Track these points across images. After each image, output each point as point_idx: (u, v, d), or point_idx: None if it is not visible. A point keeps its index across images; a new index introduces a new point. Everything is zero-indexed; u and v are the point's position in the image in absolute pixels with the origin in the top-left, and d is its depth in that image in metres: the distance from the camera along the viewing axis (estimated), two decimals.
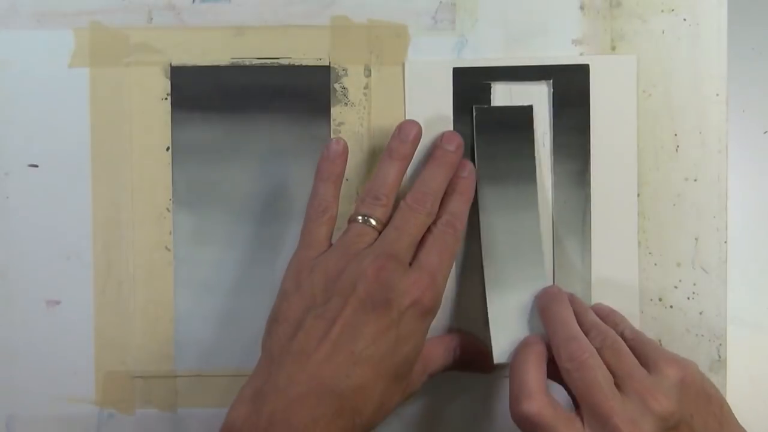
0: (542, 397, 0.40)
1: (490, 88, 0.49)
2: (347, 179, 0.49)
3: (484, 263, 0.46)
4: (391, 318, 0.41)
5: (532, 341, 0.44)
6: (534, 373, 0.41)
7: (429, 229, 0.45)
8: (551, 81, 0.49)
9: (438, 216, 0.45)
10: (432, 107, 0.49)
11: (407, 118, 0.49)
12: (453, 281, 0.49)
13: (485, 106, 0.48)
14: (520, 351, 0.43)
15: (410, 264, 0.43)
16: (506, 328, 0.46)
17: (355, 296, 0.41)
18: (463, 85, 0.49)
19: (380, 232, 0.44)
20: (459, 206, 0.46)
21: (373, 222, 0.44)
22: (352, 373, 0.40)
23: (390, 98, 0.49)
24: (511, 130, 0.48)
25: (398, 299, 0.41)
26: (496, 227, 0.47)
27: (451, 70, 0.48)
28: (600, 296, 0.49)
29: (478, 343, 0.48)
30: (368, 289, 0.41)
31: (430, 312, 0.43)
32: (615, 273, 0.49)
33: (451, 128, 0.49)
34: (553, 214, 0.49)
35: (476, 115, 0.48)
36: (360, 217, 0.45)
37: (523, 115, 0.48)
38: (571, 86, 0.49)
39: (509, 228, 0.47)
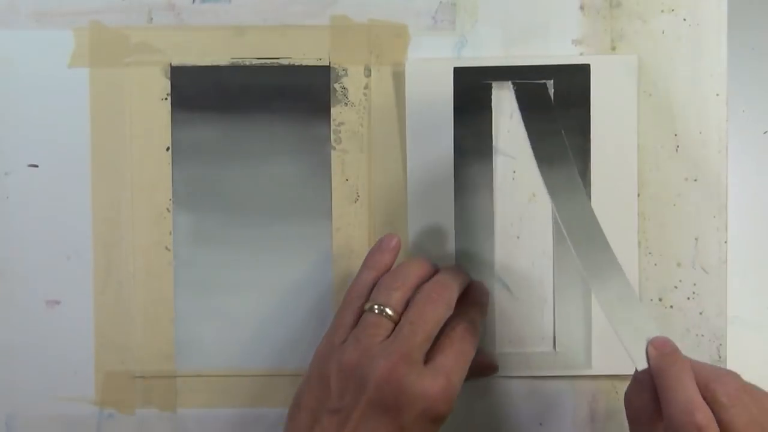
0: (708, 410, 0.38)
1: (490, 87, 0.49)
2: (347, 179, 0.49)
3: (577, 253, 0.42)
4: (401, 423, 0.40)
5: (674, 349, 0.41)
6: (694, 385, 0.39)
7: (447, 323, 0.43)
8: (552, 81, 0.49)
9: (458, 311, 0.44)
10: (432, 107, 0.49)
11: (408, 118, 0.48)
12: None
13: (522, 82, 0.47)
14: (669, 363, 0.40)
15: (426, 359, 0.42)
16: (629, 325, 0.42)
17: (367, 396, 0.40)
18: (463, 85, 0.48)
19: (396, 323, 0.43)
20: (481, 298, 0.46)
21: (389, 312, 0.43)
22: None
23: (390, 98, 0.49)
24: (544, 106, 0.47)
25: (410, 404, 0.40)
26: (570, 211, 0.43)
27: (452, 69, 0.48)
28: None
29: (480, 355, 0.47)
30: (380, 391, 0.40)
31: (442, 418, 0.41)
32: None
33: (452, 129, 0.49)
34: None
35: (515, 91, 0.47)
36: (376, 307, 0.43)
37: (542, 90, 0.47)
38: (571, 86, 0.49)
39: (577, 213, 0.44)
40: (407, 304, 0.43)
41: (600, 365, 0.49)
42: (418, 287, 0.44)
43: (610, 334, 0.44)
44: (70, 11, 0.49)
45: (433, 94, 0.48)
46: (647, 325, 0.42)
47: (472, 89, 0.49)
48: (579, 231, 0.43)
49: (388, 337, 0.42)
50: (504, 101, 0.49)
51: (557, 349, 0.49)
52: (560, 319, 0.49)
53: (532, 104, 0.47)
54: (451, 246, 0.49)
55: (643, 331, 0.42)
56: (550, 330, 0.49)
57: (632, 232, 0.49)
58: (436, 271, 0.46)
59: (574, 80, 0.49)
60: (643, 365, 0.41)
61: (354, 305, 0.44)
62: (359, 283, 0.45)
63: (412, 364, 0.41)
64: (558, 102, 0.48)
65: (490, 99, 0.49)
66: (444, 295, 0.43)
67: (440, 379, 0.41)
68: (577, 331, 0.49)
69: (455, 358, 0.42)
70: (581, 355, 0.49)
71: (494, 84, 0.49)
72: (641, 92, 0.49)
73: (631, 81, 0.49)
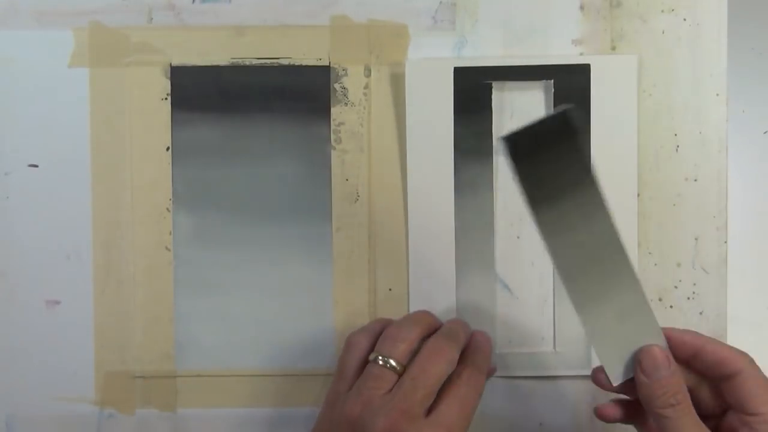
0: None
1: (490, 87, 0.49)
2: (347, 179, 0.49)
3: (566, 287, 0.42)
4: None
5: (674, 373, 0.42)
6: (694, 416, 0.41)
7: (453, 376, 0.43)
8: (552, 81, 0.49)
9: (462, 363, 0.44)
10: (432, 107, 0.49)
11: (408, 118, 0.49)
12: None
13: (512, 133, 0.39)
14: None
15: (430, 409, 0.42)
16: (613, 343, 0.43)
17: None
18: (463, 85, 0.48)
19: (400, 375, 0.43)
20: (485, 345, 0.46)
21: (393, 363, 0.43)
22: None
23: (390, 98, 0.49)
24: (552, 143, 0.41)
25: None
26: (565, 244, 0.42)
27: (452, 69, 0.48)
28: None
29: None
30: None
31: None
32: None
33: (452, 129, 0.48)
34: None
35: (507, 145, 0.39)
36: (380, 358, 0.43)
37: (559, 122, 0.41)
38: (571, 86, 0.49)
39: (580, 240, 0.42)
40: (412, 356, 0.43)
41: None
42: (423, 339, 0.44)
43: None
44: (70, 11, 0.49)
45: (433, 93, 0.48)
46: (630, 346, 0.42)
47: (472, 89, 0.49)
48: (571, 267, 0.42)
49: (391, 390, 0.42)
50: (504, 101, 0.49)
51: (557, 349, 0.49)
52: (560, 319, 0.49)
53: (524, 152, 0.40)
54: (450, 246, 0.49)
55: (624, 349, 0.42)
56: (550, 330, 0.49)
57: (632, 232, 0.49)
58: (439, 323, 0.46)
59: (575, 80, 0.49)
60: (618, 379, 0.42)
61: (357, 352, 0.45)
62: (365, 329, 0.46)
63: (413, 420, 0.41)
64: (558, 102, 0.48)
65: (491, 99, 0.49)
66: (447, 349, 0.43)
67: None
68: (577, 331, 0.49)
69: (458, 407, 0.42)
70: (581, 355, 0.49)
71: (494, 84, 0.49)
72: (641, 92, 0.49)
73: (632, 81, 0.49)
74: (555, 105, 0.48)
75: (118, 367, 0.50)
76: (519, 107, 0.49)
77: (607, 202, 0.41)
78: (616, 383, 0.43)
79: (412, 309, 0.49)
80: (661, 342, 0.42)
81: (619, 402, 0.45)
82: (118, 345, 0.50)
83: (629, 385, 0.43)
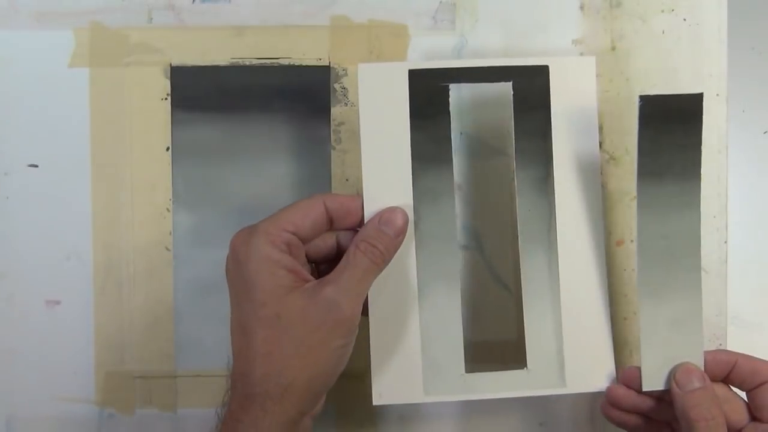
0: None
1: (447, 90, 0.45)
2: (347, 179, 0.49)
3: (639, 268, 0.43)
4: None
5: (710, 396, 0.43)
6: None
7: None
8: (511, 83, 0.45)
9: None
10: (387, 113, 0.45)
11: (361, 124, 0.45)
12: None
13: (651, 95, 0.42)
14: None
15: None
16: (658, 349, 0.44)
17: None
18: (419, 88, 0.45)
19: None
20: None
21: None
22: None
23: None
24: (678, 120, 0.43)
25: None
26: (654, 228, 0.43)
27: (407, 72, 0.45)
28: None
29: None
30: None
31: None
32: None
33: (408, 132, 0.45)
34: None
35: (641, 105, 0.42)
36: None
37: (693, 104, 0.43)
38: (531, 87, 0.45)
39: (669, 229, 0.43)
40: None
41: (574, 384, 0.45)
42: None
43: (582, 350, 0.45)
44: (70, 11, 0.49)
45: (388, 98, 0.45)
46: (676, 357, 0.43)
47: (428, 92, 0.45)
48: (652, 251, 0.44)
49: None
50: (462, 105, 0.47)
51: (529, 367, 0.46)
52: (531, 336, 0.46)
53: (653, 119, 0.42)
54: (411, 257, 0.45)
55: (669, 358, 0.44)
56: (516, 347, 0.47)
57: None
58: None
59: (533, 82, 0.45)
60: (650, 386, 0.44)
61: None
62: None
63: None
64: (517, 104, 0.45)
65: (448, 102, 0.45)
66: None
67: None
68: (549, 349, 0.46)
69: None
70: (554, 374, 0.46)
71: (451, 86, 0.45)
72: (641, 92, 0.49)
73: (590, 83, 0.46)
74: (514, 107, 0.45)
75: (118, 367, 0.50)
76: (476, 110, 0.48)
77: (699, 203, 0.43)
78: (646, 389, 0.44)
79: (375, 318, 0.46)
80: (699, 361, 0.44)
81: (639, 410, 0.45)
82: (118, 345, 0.50)
83: (651, 398, 0.44)
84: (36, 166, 0.49)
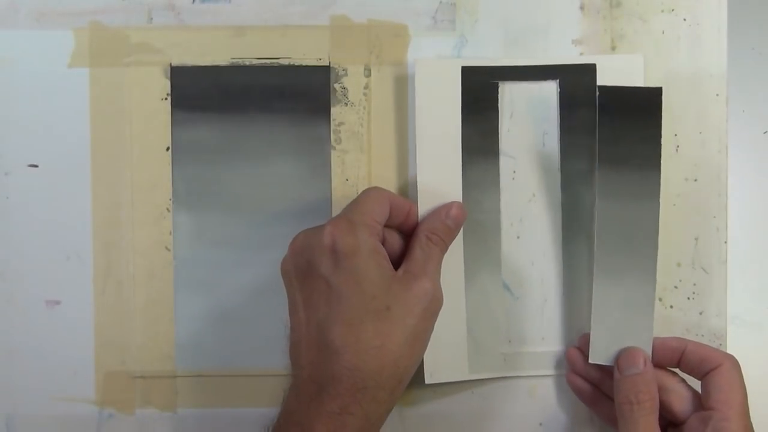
0: None
1: (497, 87, 0.49)
2: (347, 179, 0.49)
3: (596, 251, 0.46)
4: None
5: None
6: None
7: None
8: (557, 81, 0.48)
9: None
10: (440, 106, 0.48)
11: (417, 117, 0.48)
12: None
13: (609, 86, 0.46)
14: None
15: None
16: (608, 326, 0.46)
17: None
18: (471, 85, 0.48)
19: None
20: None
21: None
22: None
23: (390, 98, 0.49)
24: (638, 112, 0.46)
25: None
26: (613, 214, 0.46)
27: (460, 69, 0.48)
28: None
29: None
30: None
31: None
32: None
33: (460, 126, 0.48)
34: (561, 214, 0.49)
35: (600, 95, 0.46)
36: None
37: (652, 97, 0.46)
38: (577, 86, 0.48)
39: (627, 216, 0.46)
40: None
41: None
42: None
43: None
44: (70, 11, 0.49)
45: (441, 93, 0.48)
46: (624, 337, 0.46)
47: (479, 89, 0.48)
48: (609, 235, 0.46)
49: None
50: (505, 102, 0.49)
51: (561, 348, 0.49)
52: (566, 318, 0.49)
53: (612, 109, 0.46)
54: (459, 246, 0.48)
55: (617, 337, 0.46)
56: (550, 329, 0.49)
57: None
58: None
59: (579, 80, 0.48)
60: (596, 359, 0.46)
61: None
62: None
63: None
64: (564, 101, 0.48)
65: (497, 99, 0.49)
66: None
67: None
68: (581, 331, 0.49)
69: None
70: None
71: (501, 84, 0.48)
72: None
73: (639, 80, 0.48)
74: (560, 105, 0.48)
75: (118, 367, 0.50)
76: (523, 107, 0.49)
77: (659, 193, 0.45)
78: (592, 361, 0.46)
79: None
80: (647, 346, 0.46)
81: (590, 379, 0.48)
82: (118, 345, 0.50)
83: (599, 371, 0.47)
84: (36, 166, 0.49)
